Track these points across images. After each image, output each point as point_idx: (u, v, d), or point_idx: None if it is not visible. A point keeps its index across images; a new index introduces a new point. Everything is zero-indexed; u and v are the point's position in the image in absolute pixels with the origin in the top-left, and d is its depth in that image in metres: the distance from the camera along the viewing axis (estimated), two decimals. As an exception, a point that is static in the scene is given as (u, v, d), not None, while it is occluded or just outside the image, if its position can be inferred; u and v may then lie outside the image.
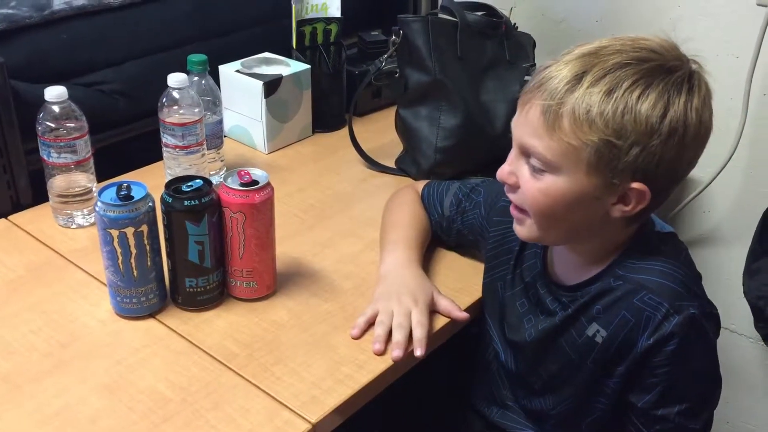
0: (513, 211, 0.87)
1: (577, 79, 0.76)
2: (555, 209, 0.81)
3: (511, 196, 0.85)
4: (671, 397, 0.84)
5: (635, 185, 0.77)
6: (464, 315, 0.97)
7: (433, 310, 0.97)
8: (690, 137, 0.77)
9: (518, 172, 0.83)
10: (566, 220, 0.82)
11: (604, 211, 0.81)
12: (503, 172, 0.84)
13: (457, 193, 1.08)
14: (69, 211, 1.12)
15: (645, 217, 0.85)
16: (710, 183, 1.44)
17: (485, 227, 1.02)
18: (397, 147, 1.34)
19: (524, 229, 0.86)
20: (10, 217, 1.14)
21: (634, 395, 0.86)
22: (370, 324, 0.94)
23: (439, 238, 1.11)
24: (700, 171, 1.47)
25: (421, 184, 1.15)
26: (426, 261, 1.08)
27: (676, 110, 0.75)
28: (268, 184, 0.94)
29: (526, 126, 0.80)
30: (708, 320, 0.83)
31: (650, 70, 0.76)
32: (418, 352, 0.91)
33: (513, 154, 0.83)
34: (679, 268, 0.84)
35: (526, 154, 0.81)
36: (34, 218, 1.14)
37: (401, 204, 1.12)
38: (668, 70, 0.76)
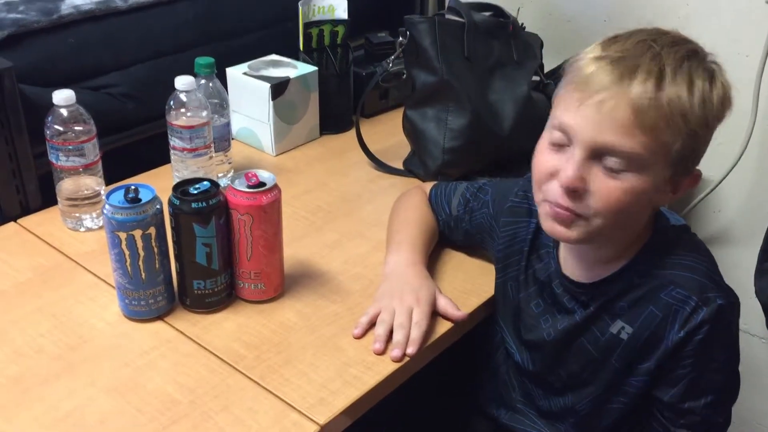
0: (563, 214, 0.80)
1: (660, 76, 0.76)
2: (631, 207, 0.79)
3: (570, 203, 0.79)
4: (697, 390, 0.84)
5: (696, 170, 0.81)
6: (461, 314, 0.97)
7: (434, 311, 0.97)
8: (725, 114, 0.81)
9: (587, 176, 0.78)
10: (631, 217, 0.81)
11: (655, 202, 0.82)
12: (572, 179, 0.78)
13: (465, 193, 1.08)
14: (77, 215, 1.12)
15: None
16: (721, 182, 1.43)
17: (494, 227, 1.02)
18: (404, 148, 1.34)
19: (575, 232, 0.81)
20: (19, 221, 1.15)
21: (660, 390, 0.86)
22: (373, 323, 0.94)
23: (447, 238, 1.11)
24: (711, 170, 1.46)
25: (428, 186, 1.15)
26: (434, 262, 1.08)
27: (726, 94, 0.79)
28: (276, 186, 0.94)
29: (606, 124, 0.76)
30: (732, 309, 0.84)
31: (701, 59, 0.79)
32: (410, 350, 0.91)
33: (579, 157, 0.78)
34: (702, 260, 0.85)
35: (598, 155, 0.77)
36: (43, 221, 1.15)
37: (408, 205, 1.12)
38: (705, 57, 0.80)
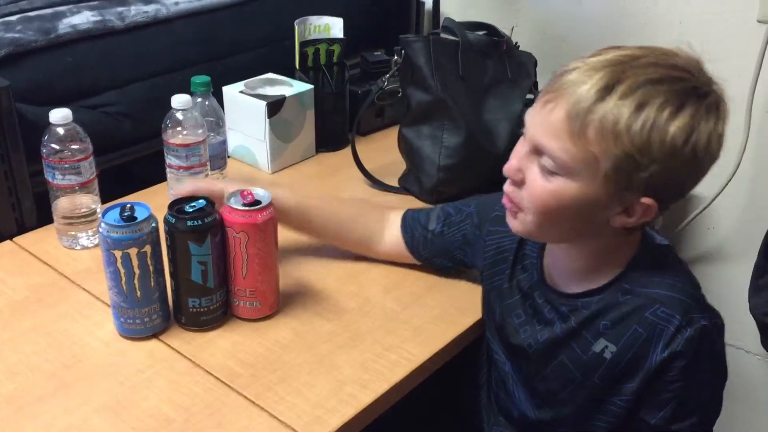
0: (507, 203, 0.85)
1: (608, 88, 0.74)
2: (558, 211, 0.80)
3: (509, 190, 0.84)
4: (684, 412, 0.83)
5: (645, 200, 0.77)
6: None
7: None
8: (708, 161, 0.77)
9: (526, 168, 0.81)
10: (565, 222, 0.82)
11: (606, 219, 0.81)
12: (511, 167, 0.82)
13: (445, 207, 1.07)
14: (73, 233, 1.13)
15: (641, 228, 0.85)
16: (714, 199, 1.44)
17: (478, 237, 1.01)
18: (400, 166, 1.35)
19: (518, 223, 0.85)
20: (15, 239, 1.15)
21: (646, 412, 0.85)
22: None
23: (417, 255, 1.08)
24: (704, 188, 1.46)
25: (391, 209, 1.12)
26: (428, 279, 1.08)
27: (701, 136, 0.75)
28: (271, 203, 0.95)
29: (545, 125, 0.78)
30: (716, 330, 0.83)
31: (683, 91, 0.75)
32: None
33: (523, 150, 0.81)
34: (686, 280, 0.85)
35: (538, 152, 0.79)
36: (39, 240, 1.15)
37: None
38: (701, 94, 0.75)
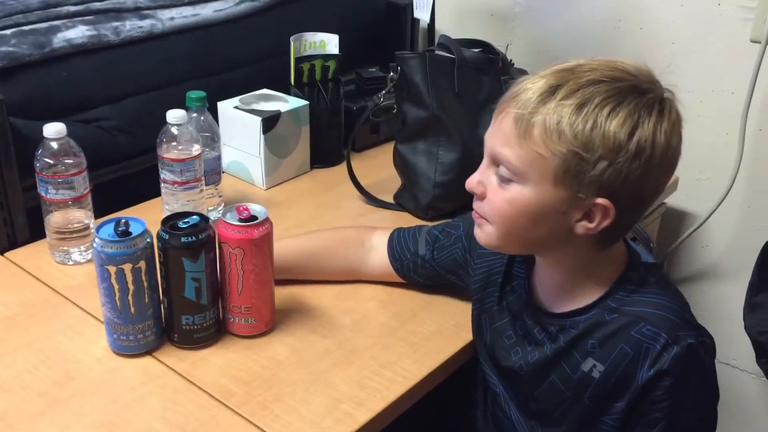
0: (475, 216, 0.87)
1: (551, 91, 0.77)
2: (519, 220, 0.81)
3: (476, 205, 0.86)
4: (674, 431, 0.83)
5: (600, 201, 0.78)
6: None
7: None
8: (657, 159, 0.77)
9: (486, 181, 0.83)
10: (528, 232, 0.82)
11: (568, 227, 0.81)
12: (472, 181, 0.85)
13: (432, 231, 1.07)
14: (66, 248, 1.11)
15: (612, 241, 0.84)
16: (708, 218, 1.44)
17: (469, 261, 1.01)
18: (395, 182, 1.34)
19: (483, 235, 0.86)
20: (6, 254, 1.14)
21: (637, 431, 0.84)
22: None
23: (409, 279, 1.08)
24: (698, 206, 1.47)
25: (372, 230, 1.12)
26: (424, 295, 1.08)
27: (645, 130, 0.76)
28: (267, 219, 0.94)
29: (498, 135, 0.81)
30: (705, 349, 0.83)
31: (623, 89, 0.77)
32: None
33: (484, 164, 0.84)
34: (673, 299, 0.85)
35: (495, 163, 0.82)
36: (31, 255, 1.14)
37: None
38: (641, 91, 0.78)
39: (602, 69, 0.78)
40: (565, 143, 0.76)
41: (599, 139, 0.75)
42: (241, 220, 0.92)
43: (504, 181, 0.81)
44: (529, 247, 0.88)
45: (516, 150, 0.78)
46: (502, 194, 0.81)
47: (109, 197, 1.21)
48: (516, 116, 0.78)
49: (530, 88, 0.78)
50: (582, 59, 0.81)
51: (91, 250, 1.11)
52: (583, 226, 0.80)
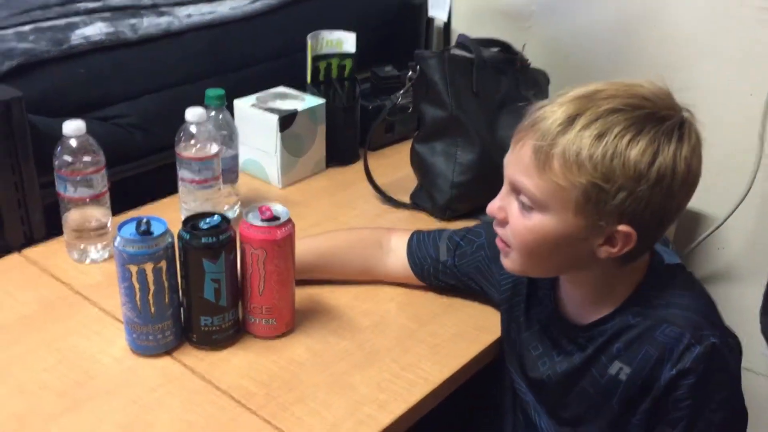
0: (499, 244, 0.87)
1: (570, 121, 0.77)
2: (541, 247, 0.82)
3: (499, 231, 0.86)
4: (698, 430, 0.82)
5: (622, 228, 0.78)
6: None
7: None
8: (678, 184, 0.77)
9: (508, 208, 0.83)
10: (551, 257, 0.83)
11: (590, 252, 0.81)
12: (493, 207, 0.85)
13: (453, 237, 1.06)
14: (83, 246, 1.11)
15: (634, 258, 0.84)
16: (726, 220, 1.43)
17: (492, 270, 1.01)
18: (409, 181, 1.34)
19: (509, 262, 0.87)
20: (23, 252, 1.13)
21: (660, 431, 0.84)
22: None
23: (431, 283, 1.07)
24: (716, 208, 1.46)
25: (391, 230, 1.12)
26: (444, 297, 1.07)
27: (665, 158, 0.76)
28: (290, 219, 0.93)
29: (518, 163, 0.81)
30: (729, 349, 0.83)
31: (642, 117, 0.77)
32: None
33: (504, 190, 0.84)
34: (697, 299, 0.85)
35: (516, 190, 0.82)
36: (48, 253, 1.13)
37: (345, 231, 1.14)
38: (660, 118, 0.77)
39: (621, 96, 0.78)
40: (585, 174, 0.76)
41: (619, 170, 0.75)
42: (263, 221, 0.92)
43: (525, 208, 0.81)
44: (552, 271, 0.89)
45: (536, 180, 0.78)
46: (523, 222, 0.81)
47: (125, 195, 1.21)
48: (535, 147, 0.78)
49: (548, 117, 0.78)
50: (600, 83, 0.80)
51: (108, 249, 1.11)
52: (605, 251, 0.80)
